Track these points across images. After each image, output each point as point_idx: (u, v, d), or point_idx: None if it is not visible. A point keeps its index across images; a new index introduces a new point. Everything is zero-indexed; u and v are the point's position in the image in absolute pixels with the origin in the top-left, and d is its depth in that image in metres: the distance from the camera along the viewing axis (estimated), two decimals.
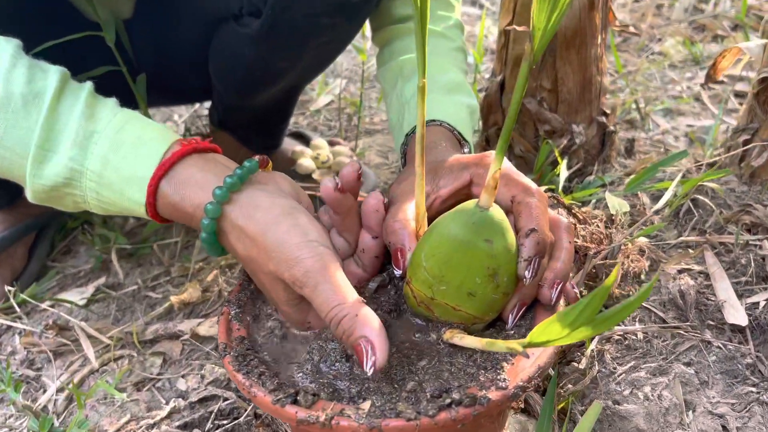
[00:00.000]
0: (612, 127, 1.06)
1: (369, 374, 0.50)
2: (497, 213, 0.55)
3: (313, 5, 0.90)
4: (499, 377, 0.50)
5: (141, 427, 0.82)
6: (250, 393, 0.54)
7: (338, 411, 0.49)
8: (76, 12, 0.98)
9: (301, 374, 0.55)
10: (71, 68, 0.93)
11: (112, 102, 0.66)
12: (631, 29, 1.19)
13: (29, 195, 0.66)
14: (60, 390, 0.90)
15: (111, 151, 0.62)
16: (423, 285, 0.56)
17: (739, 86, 1.62)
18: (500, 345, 0.51)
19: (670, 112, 1.56)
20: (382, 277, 0.64)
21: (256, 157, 0.63)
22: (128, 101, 1.09)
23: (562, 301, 0.58)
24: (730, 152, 0.89)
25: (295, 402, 0.51)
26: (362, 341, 0.51)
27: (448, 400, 0.47)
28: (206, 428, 0.80)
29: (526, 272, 0.55)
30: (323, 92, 1.71)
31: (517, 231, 0.57)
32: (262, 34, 0.93)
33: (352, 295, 0.54)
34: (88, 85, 0.66)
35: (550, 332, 0.44)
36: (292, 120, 1.61)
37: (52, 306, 1.04)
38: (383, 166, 1.41)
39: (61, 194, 0.65)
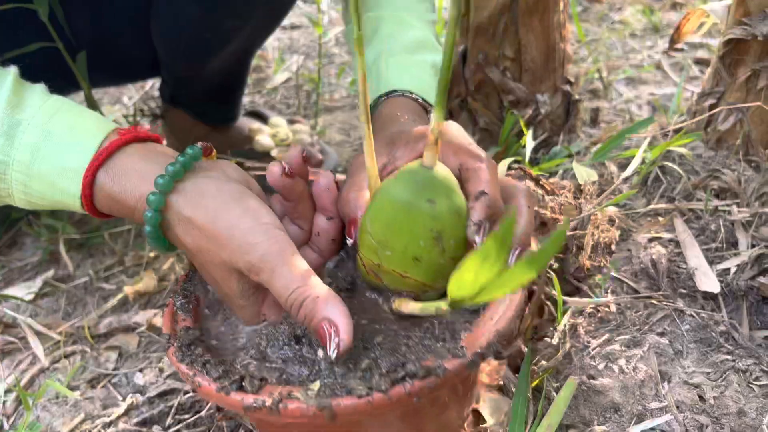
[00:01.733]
0: (577, 96, 1.03)
1: (332, 357, 0.47)
2: (441, 171, 0.52)
3: None
4: (456, 346, 0.47)
5: (96, 426, 0.77)
6: (194, 383, 0.50)
7: (286, 394, 0.45)
8: None
9: (248, 360, 0.52)
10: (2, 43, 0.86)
11: (40, 88, 0.60)
12: None
13: None
14: (9, 391, 0.84)
15: (41, 140, 0.57)
16: (369, 251, 0.53)
17: (700, 53, 1.62)
18: (430, 306, 0.49)
19: (632, 81, 1.55)
20: (339, 256, 0.61)
21: (199, 144, 0.59)
22: (68, 82, 1.03)
23: None
24: (695, 118, 0.88)
25: (241, 388, 0.47)
26: (325, 323, 0.48)
27: (401, 374, 0.44)
28: (167, 423, 0.76)
29: (476, 237, 0.52)
30: (280, 69, 1.65)
31: (466, 196, 0.55)
32: None
33: (312, 277, 0.50)
34: (13, 70, 0.60)
35: (463, 286, 0.41)
36: (249, 99, 1.56)
37: None
38: (345, 144, 1.37)
39: None
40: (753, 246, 0.77)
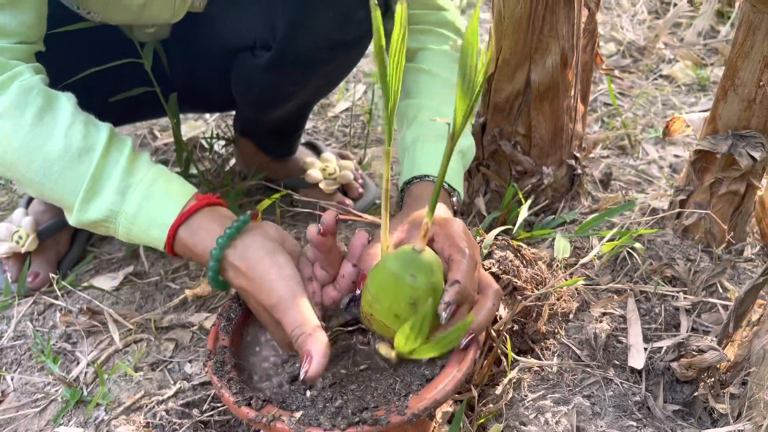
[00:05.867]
0: (580, 170, 1.18)
1: (302, 378, 0.67)
2: (428, 256, 0.70)
3: (314, 42, 1.05)
4: (403, 404, 0.65)
5: (152, 402, 1.00)
6: (219, 392, 0.71)
7: (278, 416, 0.65)
8: (119, 32, 1.14)
9: (266, 385, 0.73)
10: (112, 80, 1.12)
11: (146, 157, 0.85)
12: (616, 73, 1.29)
13: (72, 221, 0.85)
14: (90, 364, 1.09)
15: (144, 200, 0.81)
16: (366, 303, 0.72)
17: None
18: (383, 349, 0.70)
19: (662, 141, 1.66)
20: (352, 294, 0.81)
21: (249, 212, 0.82)
22: (161, 111, 1.27)
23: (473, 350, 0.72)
24: (671, 208, 1.02)
25: (248, 405, 0.68)
26: (306, 354, 0.68)
27: (357, 419, 0.63)
28: (203, 408, 0.99)
29: (443, 313, 0.69)
30: (342, 98, 1.85)
31: (446, 281, 0.72)
32: (271, 65, 1.09)
33: (312, 319, 0.71)
34: (130, 142, 0.85)
35: (400, 346, 0.64)
36: (311, 125, 1.76)
37: (87, 288, 1.23)
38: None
39: (98, 225, 0.84)
40: (694, 330, 0.91)
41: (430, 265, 0.70)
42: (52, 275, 1.21)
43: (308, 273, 0.82)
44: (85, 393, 1.04)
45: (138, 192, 0.80)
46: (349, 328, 0.78)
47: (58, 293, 1.21)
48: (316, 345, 0.68)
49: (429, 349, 0.65)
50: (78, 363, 1.10)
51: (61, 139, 0.80)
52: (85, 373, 1.08)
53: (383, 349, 0.72)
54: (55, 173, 0.80)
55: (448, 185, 0.94)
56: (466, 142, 1.02)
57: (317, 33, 1.04)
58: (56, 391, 1.05)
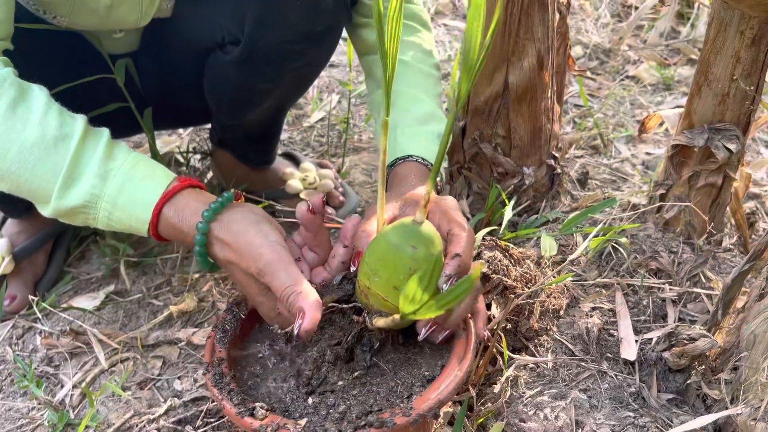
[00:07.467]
0: (559, 169, 1.20)
1: (296, 333, 0.68)
2: (427, 228, 0.70)
3: (282, 34, 1.06)
4: (407, 406, 0.65)
5: (143, 421, 0.98)
6: (221, 404, 0.71)
7: (283, 425, 0.65)
8: (90, 49, 1.13)
9: (266, 393, 0.72)
10: (85, 96, 1.10)
11: (124, 145, 0.85)
12: (588, 74, 1.32)
13: (47, 212, 0.83)
14: (75, 386, 1.06)
15: (126, 181, 0.81)
16: (364, 276, 0.71)
17: None
18: (385, 320, 0.69)
19: (633, 139, 1.70)
20: (345, 272, 0.81)
21: (233, 190, 0.83)
22: (137, 126, 1.25)
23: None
24: (650, 202, 1.04)
25: (251, 415, 0.67)
26: (298, 311, 0.69)
27: (363, 423, 0.63)
28: (196, 425, 0.97)
29: (444, 285, 0.70)
30: (317, 108, 1.85)
31: (445, 255, 0.73)
32: (241, 60, 1.09)
33: (300, 278, 0.72)
34: (107, 131, 0.84)
35: (403, 307, 0.62)
36: (287, 135, 1.76)
37: (67, 309, 1.20)
38: (366, 185, 1.56)
39: (76, 213, 0.82)
40: (680, 319, 0.93)
41: (430, 236, 0.70)
42: (30, 297, 1.18)
43: (297, 254, 0.82)
44: (72, 416, 1.01)
45: (120, 174, 0.80)
46: (343, 306, 0.77)
47: (38, 315, 1.18)
48: (308, 300, 0.69)
49: (431, 308, 0.61)
50: (62, 386, 1.07)
51: (35, 128, 0.79)
52: (71, 395, 1.05)
53: (380, 321, 0.70)
54: (31, 162, 0.79)
55: (431, 164, 0.95)
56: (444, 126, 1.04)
57: (285, 24, 1.05)
58: (42, 415, 1.02)
